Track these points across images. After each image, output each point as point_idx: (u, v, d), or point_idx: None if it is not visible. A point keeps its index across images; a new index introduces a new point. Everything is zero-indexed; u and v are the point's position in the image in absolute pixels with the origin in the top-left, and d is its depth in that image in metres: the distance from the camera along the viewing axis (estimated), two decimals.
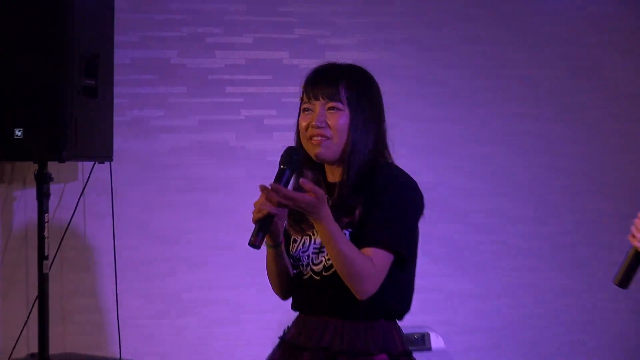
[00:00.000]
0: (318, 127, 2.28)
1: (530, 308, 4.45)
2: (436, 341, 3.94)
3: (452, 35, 4.37)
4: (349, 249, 2.18)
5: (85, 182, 3.86)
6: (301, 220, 2.32)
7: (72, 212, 3.84)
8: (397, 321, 2.34)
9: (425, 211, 2.34)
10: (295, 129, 2.36)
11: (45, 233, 3.54)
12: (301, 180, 2.19)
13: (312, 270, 2.31)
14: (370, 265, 2.19)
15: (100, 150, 3.68)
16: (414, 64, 4.31)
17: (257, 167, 4.04)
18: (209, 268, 4.05)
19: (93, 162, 3.81)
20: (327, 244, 2.18)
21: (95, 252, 3.94)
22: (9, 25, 3.47)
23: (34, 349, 3.62)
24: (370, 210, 2.24)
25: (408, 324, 2.43)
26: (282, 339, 2.38)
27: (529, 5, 4.49)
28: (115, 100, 3.75)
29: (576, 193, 4.52)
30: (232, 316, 4.07)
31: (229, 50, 4.11)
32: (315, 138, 2.29)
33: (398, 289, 2.30)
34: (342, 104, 2.29)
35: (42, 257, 3.54)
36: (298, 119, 2.35)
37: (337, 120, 2.29)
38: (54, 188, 3.66)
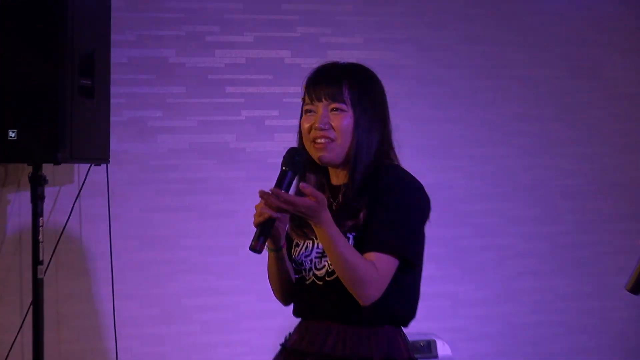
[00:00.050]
0: (321, 129, 2.25)
1: (531, 310, 4.44)
2: (443, 348, 3.92)
3: (452, 35, 4.38)
4: (351, 253, 2.15)
5: (81, 184, 3.83)
6: (303, 224, 2.29)
7: (67, 215, 3.82)
8: (403, 328, 2.30)
9: None
10: (297, 130, 2.32)
11: (40, 237, 3.51)
12: (301, 184, 2.16)
13: (314, 275, 2.28)
14: (373, 270, 2.16)
15: (97, 151, 3.64)
16: (414, 64, 4.31)
17: (258, 169, 4.01)
18: (209, 272, 4.03)
19: (89, 164, 3.76)
20: (327, 249, 2.16)
21: (91, 256, 3.91)
22: (4, 24, 3.43)
23: (29, 355, 3.59)
24: (374, 212, 2.21)
25: (413, 330, 2.40)
26: (283, 345, 2.34)
27: (529, 5, 4.51)
28: (112, 100, 3.72)
29: (576, 193, 4.54)
30: (232, 322, 4.05)
31: (229, 49, 4.09)
32: (319, 140, 2.25)
33: (403, 294, 2.26)
34: (346, 104, 2.26)
35: (36, 262, 3.51)
36: (300, 120, 2.31)
37: (340, 121, 2.25)
38: (48, 191, 3.63)
